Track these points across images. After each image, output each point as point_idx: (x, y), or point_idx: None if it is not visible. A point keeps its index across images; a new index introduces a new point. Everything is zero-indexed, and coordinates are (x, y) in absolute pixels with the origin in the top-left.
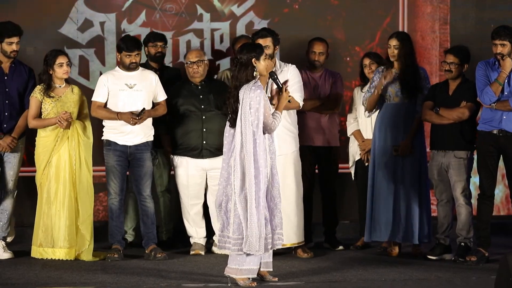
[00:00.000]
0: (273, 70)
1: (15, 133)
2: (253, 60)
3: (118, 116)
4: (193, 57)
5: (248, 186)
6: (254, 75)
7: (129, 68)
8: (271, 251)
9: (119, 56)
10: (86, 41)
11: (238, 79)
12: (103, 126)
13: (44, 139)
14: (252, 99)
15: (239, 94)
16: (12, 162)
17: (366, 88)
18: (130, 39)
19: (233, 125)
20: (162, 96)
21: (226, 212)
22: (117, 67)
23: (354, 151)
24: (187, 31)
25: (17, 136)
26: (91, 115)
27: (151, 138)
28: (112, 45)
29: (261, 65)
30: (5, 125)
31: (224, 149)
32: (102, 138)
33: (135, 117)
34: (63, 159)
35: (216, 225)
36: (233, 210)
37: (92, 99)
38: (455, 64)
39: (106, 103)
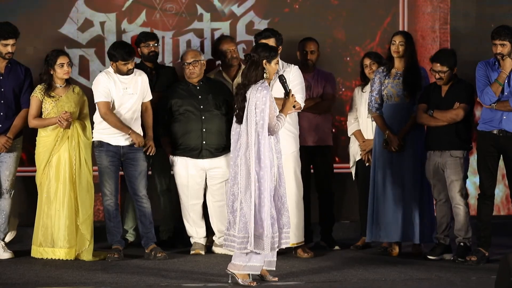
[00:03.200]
0: (283, 73)
1: (11, 133)
2: (264, 61)
3: (131, 133)
4: (189, 58)
5: (253, 185)
6: (265, 76)
7: (126, 74)
8: (275, 250)
9: (114, 65)
10: (86, 41)
11: (247, 78)
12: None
13: (44, 138)
14: (258, 99)
15: (246, 94)
16: (8, 162)
17: (366, 88)
18: (124, 46)
19: (239, 121)
20: (148, 97)
21: (233, 211)
22: (110, 68)
23: (355, 151)
24: (187, 31)
25: (12, 136)
26: (102, 116)
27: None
28: None
29: (272, 68)
30: (0, 125)
31: (231, 148)
32: (93, 139)
33: (143, 143)
34: (63, 158)
35: (215, 225)
36: (239, 209)
37: (99, 100)
38: (443, 72)
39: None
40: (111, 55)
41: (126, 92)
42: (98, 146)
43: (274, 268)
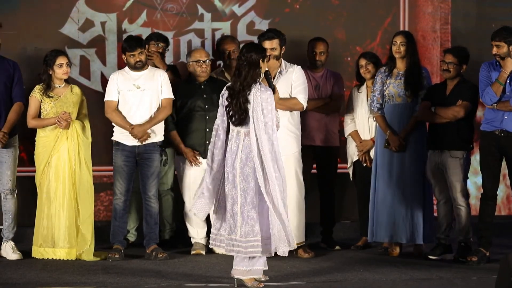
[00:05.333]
0: (285, 73)
1: (6, 128)
2: (261, 60)
3: (131, 129)
4: (203, 56)
5: (271, 187)
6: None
7: (135, 67)
8: None
9: (124, 58)
10: (87, 41)
11: (246, 79)
12: (113, 126)
13: (43, 139)
14: (264, 101)
15: (249, 96)
16: (7, 161)
17: (362, 88)
18: (131, 38)
19: (239, 124)
20: (165, 94)
21: (233, 215)
22: (126, 67)
23: (352, 152)
24: (188, 31)
25: (7, 130)
26: (105, 115)
27: (161, 138)
28: (113, 45)
29: (264, 66)
30: None
31: (227, 149)
32: (112, 138)
33: (143, 139)
34: (63, 159)
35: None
36: (239, 213)
37: (105, 99)
38: (453, 64)
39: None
40: (121, 47)
41: (137, 87)
42: (115, 145)
43: (266, 267)
